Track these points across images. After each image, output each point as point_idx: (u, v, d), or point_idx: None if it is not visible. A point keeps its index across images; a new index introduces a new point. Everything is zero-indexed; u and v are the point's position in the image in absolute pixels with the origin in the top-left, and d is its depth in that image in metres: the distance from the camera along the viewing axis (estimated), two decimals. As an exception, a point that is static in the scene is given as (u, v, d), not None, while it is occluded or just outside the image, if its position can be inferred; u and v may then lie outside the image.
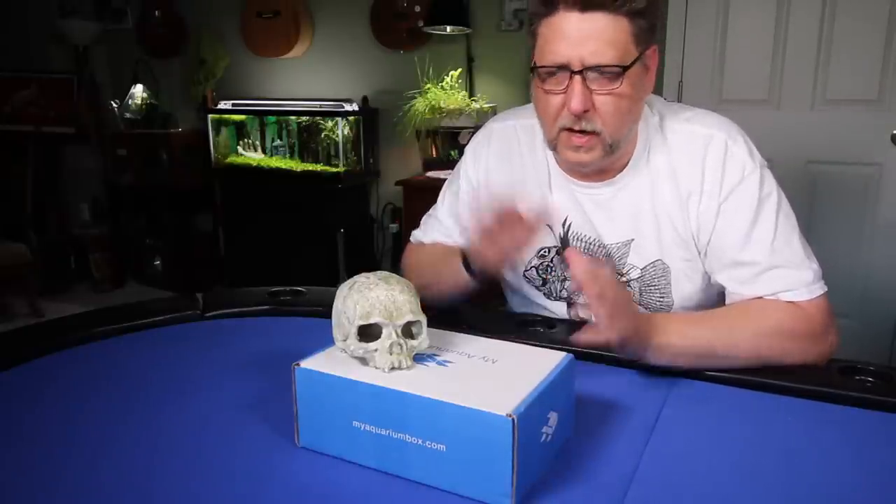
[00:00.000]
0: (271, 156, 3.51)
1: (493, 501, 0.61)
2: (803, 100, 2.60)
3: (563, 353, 0.73)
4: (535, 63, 0.93)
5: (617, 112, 0.91)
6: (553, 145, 0.98)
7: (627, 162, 1.00)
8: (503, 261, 0.97)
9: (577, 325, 1.08)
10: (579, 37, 0.87)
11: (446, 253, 1.11)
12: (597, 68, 0.88)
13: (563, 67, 0.89)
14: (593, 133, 0.92)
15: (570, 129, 0.92)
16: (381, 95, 3.43)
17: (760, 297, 0.94)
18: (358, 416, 0.66)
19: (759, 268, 0.94)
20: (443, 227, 1.17)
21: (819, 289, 0.93)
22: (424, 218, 1.23)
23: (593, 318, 0.82)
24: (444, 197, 1.19)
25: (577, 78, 0.88)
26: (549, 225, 1.07)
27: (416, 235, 1.23)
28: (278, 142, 3.49)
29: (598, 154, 0.94)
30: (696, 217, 0.97)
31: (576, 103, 0.89)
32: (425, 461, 0.63)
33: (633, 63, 0.89)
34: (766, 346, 0.89)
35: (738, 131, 0.99)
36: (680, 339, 0.88)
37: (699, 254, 1.00)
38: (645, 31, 0.89)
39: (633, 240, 1.02)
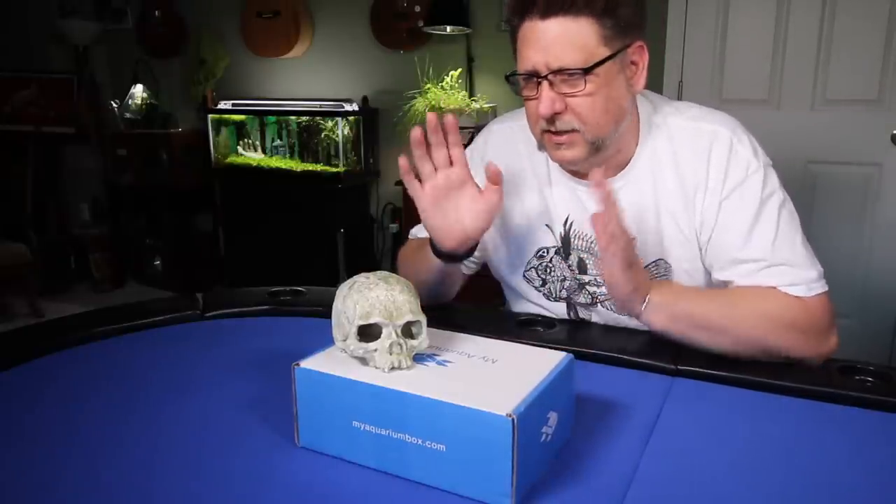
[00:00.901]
0: (271, 156, 3.51)
1: (493, 501, 0.61)
2: (803, 100, 2.60)
3: (563, 353, 0.73)
4: (512, 71, 0.95)
5: (592, 110, 0.91)
6: (541, 146, 1.00)
7: (629, 160, 1.00)
8: (453, 225, 0.96)
9: (577, 325, 1.08)
10: (544, 42, 0.89)
11: (421, 245, 1.12)
12: (560, 72, 0.89)
13: (533, 74, 0.91)
14: (572, 131, 0.93)
15: (550, 131, 0.94)
16: (381, 95, 3.43)
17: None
18: (358, 416, 0.66)
19: (758, 265, 0.94)
20: None
21: (820, 287, 0.93)
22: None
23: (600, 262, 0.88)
24: None
25: (544, 83, 0.91)
26: (547, 225, 1.07)
27: (414, 232, 1.22)
28: (278, 142, 3.49)
29: (581, 151, 0.95)
30: (700, 213, 0.98)
31: (542, 108, 0.91)
32: (425, 461, 0.63)
33: (599, 63, 0.89)
34: (763, 329, 0.90)
35: (743, 129, 0.99)
36: (676, 299, 0.91)
37: (700, 251, 1.00)
38: (617, 29, 0.89)
39: (634, 238, 1.01)
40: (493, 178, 0.94)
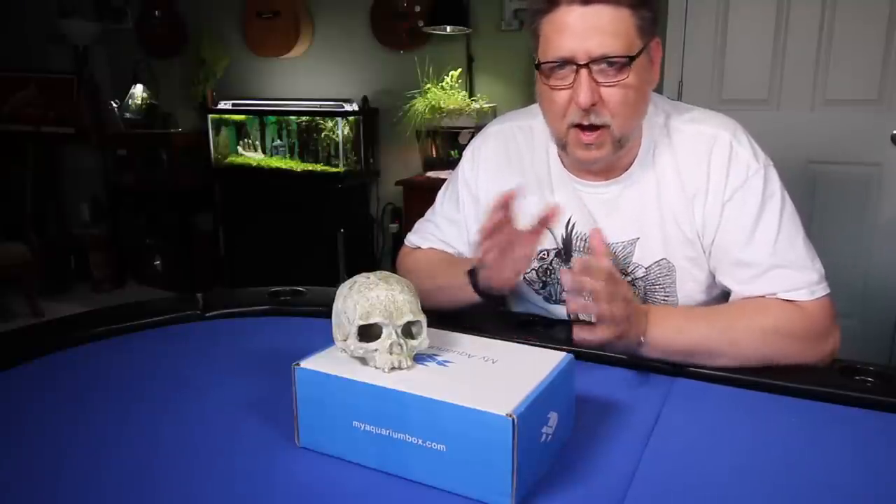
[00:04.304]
0: (271, 156, 3.51)
1: (493, 501, 0.61)
2: (803, 100, 2.60)
3: (563, 353, 0.73)
4: (538, 60, 0.93)
5: (625, 104, 0.90)
6: (562, 143, 0.97)
7: (632, 160, 1.00)
8: (514, 279, 0.95)
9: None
10: (583, 30, 0.87)
11: (446, 263, 1.10)
12: (603, 60, 0.87)
13: (569, 62, 0.89)
14: (602, 127, 0.91)
15: (579, 126, 0.92)
16: (381, 95, 3.43)
17: (762, 296, 0.94)
18: (358, 416, 0.66)
19: (760, 268, 0.94)
20: (440, 233, 1.17)
21: (822, 290, 0.93)
22: (420, 222, 1.22)
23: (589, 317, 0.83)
24: (442, 202, 1.18)
25: (584, 71, 0.88)
26: (548, 227, 1.07)
27: (412, 240, 1.21)
28: (278, 142, 3.49)
29: (608, 150, 0.94)
30: (702, 217, 0.97)
31: (583, 97, 0.88)
32: (425, 461, 0.63)
33: (638, 53, 0.89)
34: (763, 345, 0.89)
35: (743, 131, 0.99)
36: (675, 334, 0.89)
37: (704, 253, 1.00)
38: (648, 22, 0.89)
39: (637, 238, 1.02)
40: (547, 221, 0.90)
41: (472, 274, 0.99)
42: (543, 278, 1.09)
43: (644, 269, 1.03)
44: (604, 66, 0.88)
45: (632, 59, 0.88)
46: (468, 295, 1.01)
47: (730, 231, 0.96)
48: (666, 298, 1.03)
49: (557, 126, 0.95)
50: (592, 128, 0.92)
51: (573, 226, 1.05)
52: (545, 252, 1.08)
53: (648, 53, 0.92)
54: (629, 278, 1.04)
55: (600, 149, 0.93)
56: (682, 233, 0.99)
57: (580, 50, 0.87)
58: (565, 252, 1.07)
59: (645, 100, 0.95)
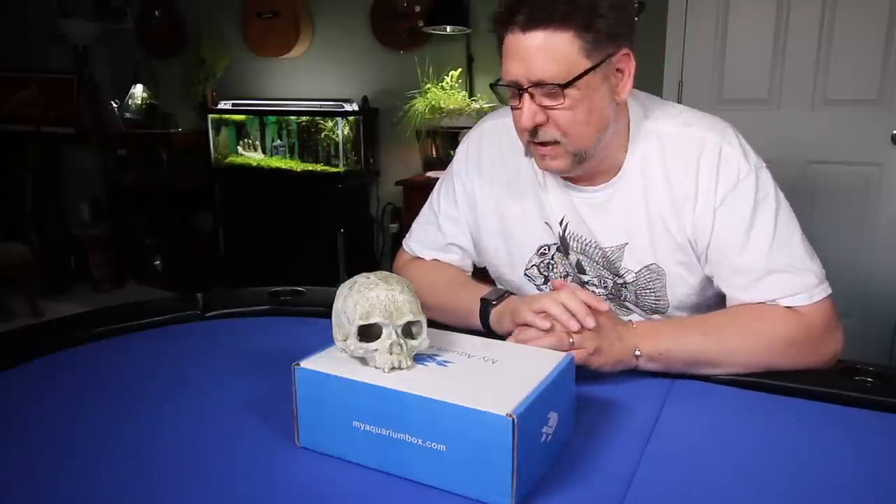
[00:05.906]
0: (271, 156, 3.51)
1: (493, 501, 0.61)
2: (803, 100, 2.60)
3: (563, 353, 0.73)
4: (496, 80, 0.95)
5: (572, 123, 0.91)
6: (527, 154, 1.01)
7: (620, 165, 1.00)
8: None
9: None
10: (524, 55, 0.89)
11: (456, 285, 1.10)
12: (540, 84, 0.89)
13: (515, 85, 0.91)
14: (554, 143, 0.93)
15: (533, 141, 0.95)
16: (381, 95, 3.44)
17: (760, 303, 0.94)
18: (358, 416, 0.66)
19: (757, 273, 0.93)
20: (442, 235, 1.16)
21: (821, 291, 0.93)
22: (419, 226, 1.20)
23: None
24: (440, 202, 1.18)
25: (525, 96, 0.90)
26: (547, 222, 1.07)
27: (412, 247, 1.20)
28: (278, 142, 3.50)
29: (566, 162, 0.95)
30: (692, 222, 0.97)
31: (524, 120, 0.91)
32: (425, 461, 0.63)
33: (578, 77, 0.88)
34: (761, 355, 0.90)
35: (734, 133, 0.98)
36: (671, 348, 0.89)
37: (698, 258, 0.99)
38: (599, 40, 0.88)
39: (626, 243, 1.01)
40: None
41: (485, 302, 0.99)
42: (545, 273, 1.09)
43: (634, 274, 1.02)
44: (545, 89, 0.89)
45: (564, 86, 0.88)
46: (475, 324, 1.00)
47: (724, 236, 0.95)
48: (657, 302, 1.03)
49: (521, 138, 0.98)
50: (544, 143, 0.94)
51: (566, 225, 1.05)
52: (546, 247, 1.08)
53: (606, 69, 0.91)
54: (620, 281, 1.04)
55: (555, 160, 0.95)
56: (671, 238, 0.99)
57: (521, 75, 0.89)
58: (564, 247, 1.07)
59: (600, 116, 0.93)
